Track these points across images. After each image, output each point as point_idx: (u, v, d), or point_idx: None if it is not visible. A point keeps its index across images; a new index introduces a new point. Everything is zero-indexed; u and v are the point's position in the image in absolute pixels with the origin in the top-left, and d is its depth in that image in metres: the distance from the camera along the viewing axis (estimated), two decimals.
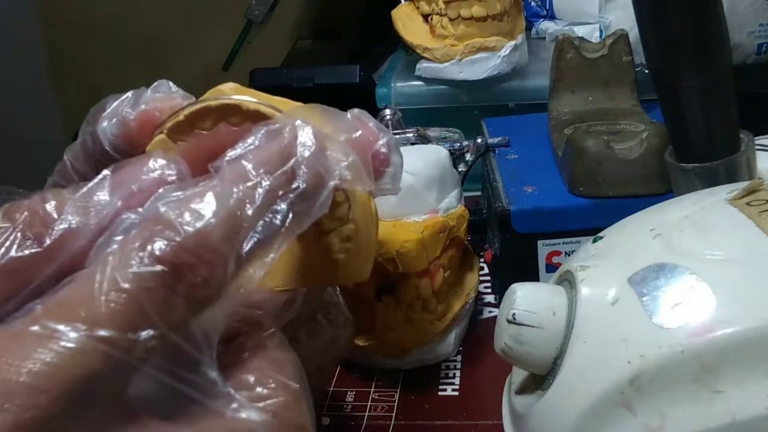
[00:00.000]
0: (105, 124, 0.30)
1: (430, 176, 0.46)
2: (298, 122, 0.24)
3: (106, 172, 0.23)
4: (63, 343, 0.18)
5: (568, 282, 0.35)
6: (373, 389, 0.47)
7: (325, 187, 0.24)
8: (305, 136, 0.24)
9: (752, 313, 0.29)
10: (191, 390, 0.20)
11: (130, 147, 0.30)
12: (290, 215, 0.22)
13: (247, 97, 0.30)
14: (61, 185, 0.32)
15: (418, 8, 0.72)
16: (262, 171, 0.22)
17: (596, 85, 0.60)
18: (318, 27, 1.33)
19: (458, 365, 0.49)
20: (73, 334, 0.18)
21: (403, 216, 0.45)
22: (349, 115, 0.35)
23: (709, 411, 0.28)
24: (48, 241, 0.21)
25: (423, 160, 0.47)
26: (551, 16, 0.82)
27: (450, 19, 0.68)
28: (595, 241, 0.37)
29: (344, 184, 0.25)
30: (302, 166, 0.23)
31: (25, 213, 0.21)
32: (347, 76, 0.85)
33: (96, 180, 0.22)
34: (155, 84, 0.31)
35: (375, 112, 0.62)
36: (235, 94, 0.30)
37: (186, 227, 0.20)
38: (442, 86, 0.72)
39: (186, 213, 0.20)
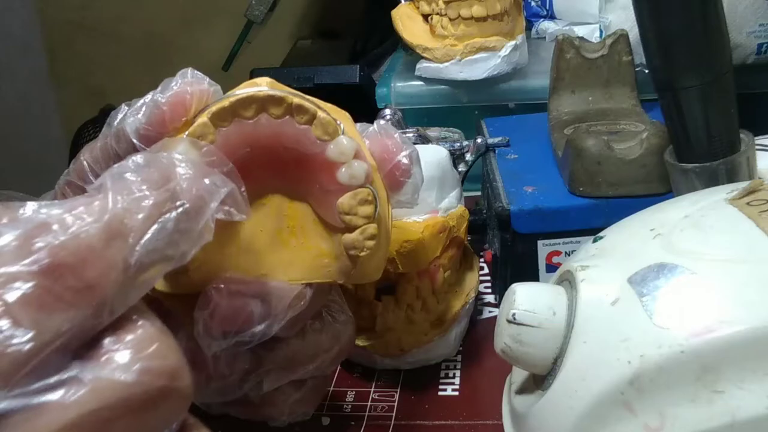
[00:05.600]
0: (131, 119, 0.31)
1: (430, 176, 0.46)
2: (176, 155, 0.25)
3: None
4: None
5: (568, 282, 0.35)
6: (373, 389, 0.47)
7: (207, 208, 0.24)
8: (183, 166, 0.24)
9: (752, 313, 0.29)
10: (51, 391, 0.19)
11: (161, 133, 0.31)
12: (177, 233, 0.23)
13: (291, 91, 0.31)
14: (75, 184, 0.33)
15: (418, 8, 0.72)
16: (145, 187, 0.23)
17: (596, 85, 0.60)
18: (318, 27, 1.33)
19: (458, 365, 0.49)
20: None
21: (403, 216, 0.45)
22: (375, 126, 0.35)
23: (709, 411, 0.28)
24: None
25: (423, 160, 0.47)
26: (551, 16, 0.82)
27: (450, 19, 0.68)
28: (595, 241, 0.37)
29: (222, 214, 0.25)
30: (183, 187, 0.24)
31: None
32: (347, 76, 0.85)
33: None
34: (181, 72, 0.32)
35: (375, 112, 0.61)
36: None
37: (68, 228, 0.20)
38: (442, 86, 0.72)
39: (67, 217, 0.20)
